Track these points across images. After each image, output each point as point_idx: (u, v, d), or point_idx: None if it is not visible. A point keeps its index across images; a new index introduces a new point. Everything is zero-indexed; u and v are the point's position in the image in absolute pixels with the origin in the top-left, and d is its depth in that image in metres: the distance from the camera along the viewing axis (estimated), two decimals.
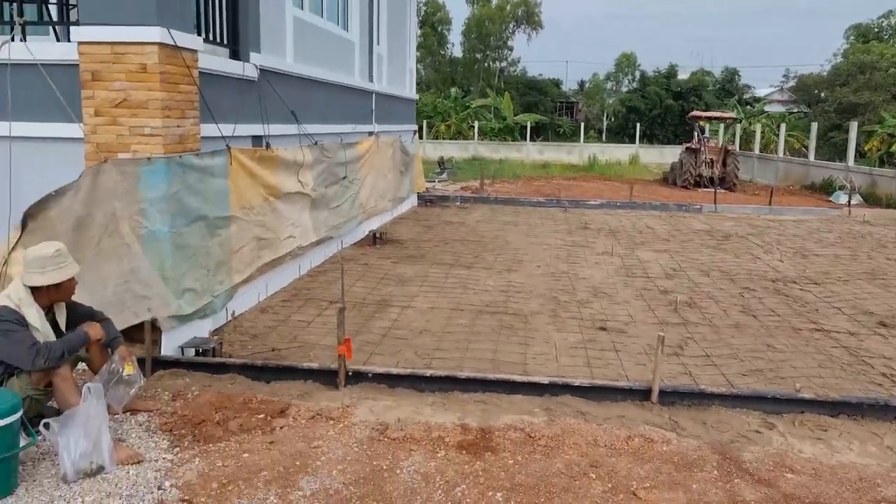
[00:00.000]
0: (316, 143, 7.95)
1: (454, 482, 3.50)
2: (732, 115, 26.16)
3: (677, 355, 5.59)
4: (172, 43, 4.87)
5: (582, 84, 50.56)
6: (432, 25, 51.76)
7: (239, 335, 5.79)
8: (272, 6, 7.01)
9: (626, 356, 5.55)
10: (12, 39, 4.97)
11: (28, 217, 4.98)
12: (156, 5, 4.74)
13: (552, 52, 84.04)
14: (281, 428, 4.02)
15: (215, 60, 5.75)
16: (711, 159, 19.80)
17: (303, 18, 8.04)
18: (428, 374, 4.71)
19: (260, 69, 6.56)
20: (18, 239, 5.02)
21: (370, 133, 10.74)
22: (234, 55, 6.33)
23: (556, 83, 49.67)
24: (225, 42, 6.17)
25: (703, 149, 19.93)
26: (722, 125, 27.96)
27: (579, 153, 30.90)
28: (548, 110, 43.59)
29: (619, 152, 31.00)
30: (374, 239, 9.96)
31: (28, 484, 3.34)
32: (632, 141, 34.43)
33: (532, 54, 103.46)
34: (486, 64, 51.98)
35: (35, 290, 3.75)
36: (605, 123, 43.50)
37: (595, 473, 3.63)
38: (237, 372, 4.83)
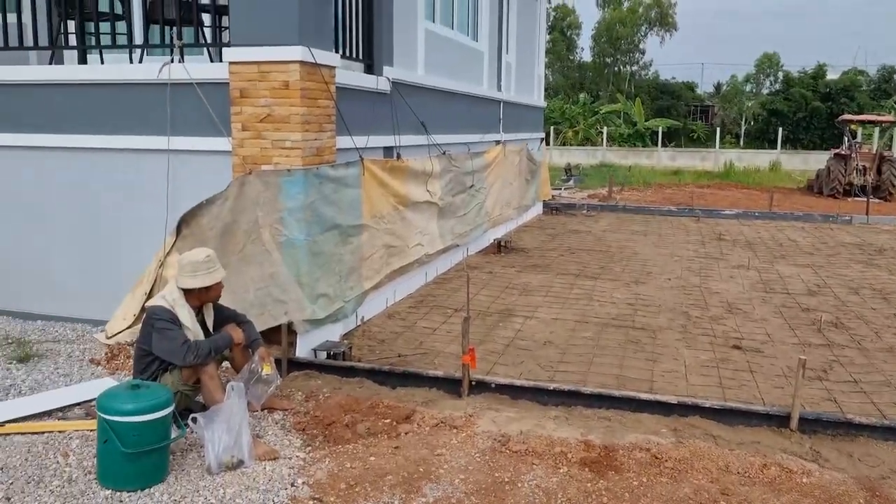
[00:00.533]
0: (444, 153, 8.11)
1: (576, 500, 3.45)
2: (890, 118, 24.11)
3: (820, 380, 5.22)
4: (312, 61, 5.13)
5: (718, 87, 48.36)
6: (561, 31, 51.29)
7: (367, 340, 5.99)
8: (405, 21, 7.23)
9: (763, 378, 5.25)
10: (172, 61, 5.41)
11: (182, 223, 5.42)
12: (297, 26, 5.02)
13: (687, 54, 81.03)
14: (406, 433, 4.12)
15: (351, 75, 6.00)
16: (864, 166, 18.34)
17: (434, 31, 8.23)
18: (551, 388, 4.67)
19: (392, 82, 6.77)
20: (173, 244, 5.47)
21: (497, 142, 10.80)
22: (369, 69, 6.58)
23: (691, 86, 47.76)
24: (360, 57, 6.42)
25: (853, 155, 18.50)
26: (877, 129, 25.82)
27: (714, 159, 29.55)
28: (681, 115, 41.98)
29: (758, 158, 29.36)
30: (499, 247, 10.01)
31: (177, 473, 3.62)
32: (773, 146, 32.46)
33: (665, 57, 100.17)
34: (616, 68, 50.86)
35: (187, 292, 4.07)
36: (743, 128, 41.33)
37: (726, 502, 3.46)
38: (365, 376, 5.01)
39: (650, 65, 52.47)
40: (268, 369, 4.22)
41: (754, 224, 13.46)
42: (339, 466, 3.72)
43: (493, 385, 4.76)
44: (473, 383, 4.76)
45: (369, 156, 6.29)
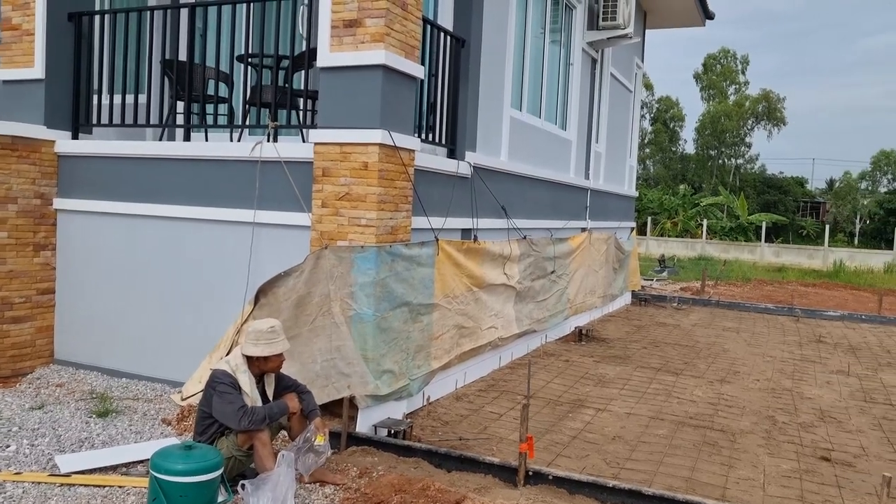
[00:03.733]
0: (525, 238, 8.13)
1: None
2: None
3: None
4: (391, 143, 5.35)
5: (831, 183, 46.56)
6: (664, 122, 51.27)
7: (431, 420, 5.93)
8: (491, 108, 7.45)
9: (851, 495, 4.80)
10: (268, 139, 5.79)
11: (260, 293, 5.64)
12: (379, 111, 5.28)
13: (796, 149, 78.69)
14: None
15: (431, 159, 6.20)
16: None
17: (520, 119, 8.42)
18: (610, 485, 4.44)
19: (473, 167, 6.94)
20: (251, 312, 5.68)
21: (583, 229, 10.75)
22: (451, 154, 6.78)
23: (800, 181, 46.22)
24: (443, 142, 6.64)
25: None
26: None
27: (823, 258, 28.12)
28: (789, 210, 40.54)
29: (872, 259, 27.70)
30: (580, 335, 9.80)
31: None
32: (889, 247, 30.63)
33: (772, 151, 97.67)
34: (720, 161, 50.06)
35: (249, 359, 4.20)
36: (857, 226, 39.32)
37: None
38: (421, 457, 4.94)
39: (756, 158, 51.39)
40: (321, 440, 4.24)
41: (860, 327, 12.60)
42: None
43: (550, 477, 4.58)
44: (530, 473, 4.60)
45: (446, 237, 6.40)
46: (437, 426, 5.81)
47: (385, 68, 5.27)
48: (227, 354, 5.62)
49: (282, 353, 4.25)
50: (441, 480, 4.54)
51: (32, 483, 4.16)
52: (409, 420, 5.63)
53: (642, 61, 14.21)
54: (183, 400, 5.80)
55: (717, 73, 50.81)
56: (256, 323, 4.28)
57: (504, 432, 5.75)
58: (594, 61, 10.99)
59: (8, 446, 4.68)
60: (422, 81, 6.11)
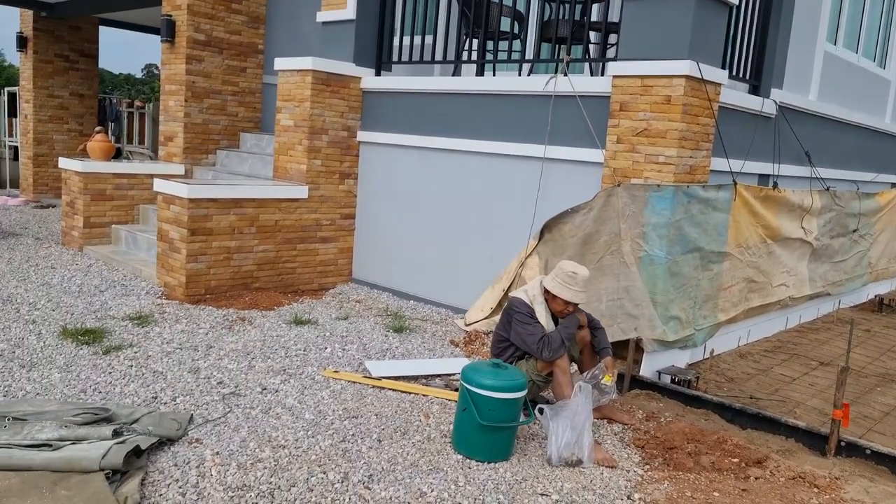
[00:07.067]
0: (828, 189, 7.26)
1: None
2: None
3: None
4: (699, 76, 4.98)
5: None
6: None
7: (714, 374, 5.60)
8: (802, 41, 6.64)
9: None
10: (558, 74, 5.71)
11: (545, 229, 5.67)
12: (689, 41, 4.92)
13: None
14: (756, 478, 3.74)
15: (735, 95, 5.70)
16: None
17: (834, 54, 7.43)
18: None
19: (778, 105, 6.27)
20: (535, 247, 5.75)
21: (894, 184, 9.35)
22: (754, 90, 6.18)
23: None
24: (746, 77, 6.07)
25: None
26: None
27: None
28: None
29: None
30: (881, 305, 8.63)
31: (519, 456, 3.77)
32: None
33: None
34: None
35: (546, 293, 4.21)
36: None
37: None
38: (711, 409, 4.69)
39: None
40: (608, 379, 4.16)
41: None
42: (678, 493, 3.51)
43: (868, 451, 4.08)
44: (843, 444, 4.14)
45: (743, 181, 5.89)
46: (721, 381, 5.47)
47: None
48: (510, 286, 5.78)
49: (571, 301, 4.15)
50: (737, 436, 4.26)
51: (349, 382, 4.63)
52: (693, 371, 5.36)
53: None
54: (467, 325, 6.08)
55: None
56: (568, 262, 4.17)
57: (799, 397, 5.25)
58: None
59: (325, 348, 5.26)
60: (730, 8, 5.59)
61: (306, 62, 6.88)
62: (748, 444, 4.15)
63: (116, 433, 3.38)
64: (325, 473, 3.35)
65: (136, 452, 3.25)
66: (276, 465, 3.38)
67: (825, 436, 4.18)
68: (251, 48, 9.13)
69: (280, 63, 7.17)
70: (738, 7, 5.77)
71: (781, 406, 5.00)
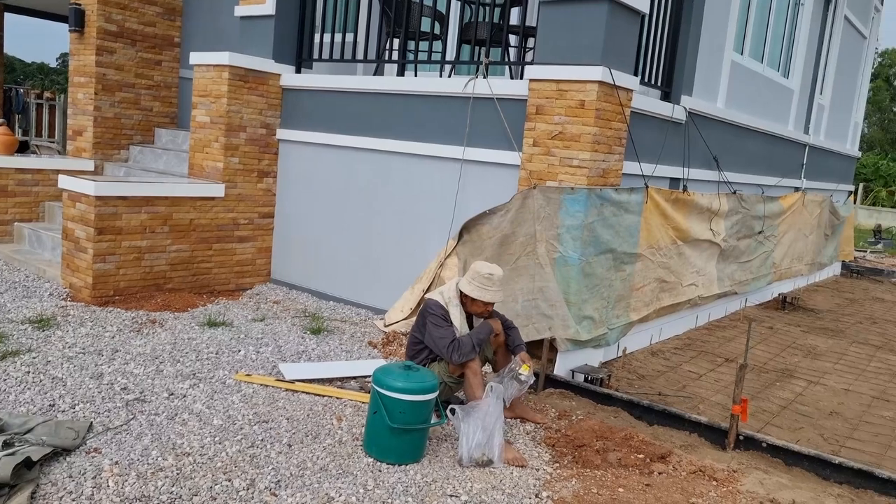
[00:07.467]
0: (735, 192, 7.57)
1: None
2: None
3: None
4: (611, 82, 5.11)
5: None
6: (886, 79, 45.58)
7: (626, 372, 5.77)
8: (711, 50, 6.91)
9: None
10: (476, 76, 5.75)
11: (464, 229, 5.70)
12: (602, 47, 5.04)
13: None
14: (659, 473, 3.86)
15: (647, 101, 5.87)
16: None
17: (741, 63, 7.76)
18: (836, 462, 4.06)
19: (688, 112, 6.50)
20: (454, 248, 5.78)
21: (796, 188, 9.84)
22: (666, 97, 6.39)
23: None
24: (658, 83, 6.26)
25: None
26: None
27: None
28: None
29: None
30: (784, 303, 9.07)
31: (431, 457, 3.78)
32: None
33: None
34: None
35: (463, 295, 4.24)
36: None
37: None
38: (621, 407, 4.82)
39: None
40: (526, 369, 4.22)
41: None
42: (585, 490, 3.59)
43: (764, 444, 4.28)
44: (741, 437, 4.33)
45: (655, 184, 6.09)
46: (632, 378, 5.64)
47: (611, 1, 5.00)
48: (430, 287, 5.79)
49: (490, 302, 4.20)
50: (643, 432, 4.40)
51: (261, 385, 4.54)
52: (606, 369, 5.50)
53: (882, 2, 12.55)
54: (386, 326, 6.06)
55: None
56: (480, 263, 4.24)
57: (705, 393, 5.47)
58: (827, 1, 9.84)
59: (238, 351, 5.15)
60: (642, 17, 5.75)
61: (223, 57, 6.71)
62: (654, 439, 4.28)
63: (6, 444, 3.21)
64: (230, 481, 3.27)
65: (28, 464, 3.10)
66: (178, 474, 3.28)
67: (725, 430, 4.36)
68: (167, 41, 8.85)
69: (195, 57, 6.97)
70: (650, 16, 5.96)
71: (687, 402, 5.19)
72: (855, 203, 27.70)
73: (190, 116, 7.14)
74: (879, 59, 45.39)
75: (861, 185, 30.32)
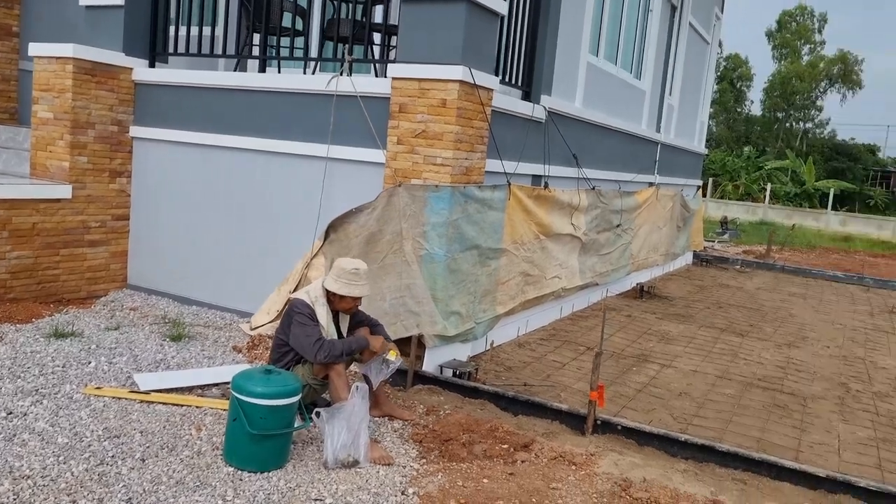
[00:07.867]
0: (593, 188, 7.94)
1: None
2: None
3: None
4: (471, 81, 5.21)
5: None
6: (731, 81, 49.38)
7: (494, 365, 5.92)
8: (568, 52, 7.20)
9: None
10: (341, 74, 5.70)
11: (330, 229, 5.63)
12: (462, 47, 5.13)
13: (870, 116, 74.90)
14: (522, 462, 3.99)
15: (507, 100, 6.03)
16: None
17: (596, 65, 8.14)
18: (682, 439, 4.36)
19: (548, 111, 6.75)
20: (321, 247, 5.69)
21: (650, 184, 10.46)
22: (526, 96, 6.60)
23: (872, 149, 44.25)
24: (519, 84, 6.46)
25: None
26: None
27: (894, 229, 26.99)
28: (857, 178, 38.94)
29: None
30: (641, 292, 9.63)
31: (296, 462, 3.71)
32: None
33: (844, 116, 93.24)
34: (787, 124, 48.18)
35: (329, 293, 4.19)
36: None
37: None
38: (488, 399, 4.94)
39: (826, 123, 49.30)
40: (394, 355, 4.24)
41: None
42: (451, 483, 3.65)
43: (619, 427, 4.52)
44: (599, 422, 4.55)
45: (517, 181, 6.27)
46: (500, 371, 5.79)
47: (469, 2, 5.10)
48: (296, 288, 5.68)
49: (359, 297, 4.19)
50: (508, 423, 4.52)
51: (113, 398, 4.29)
52: (473, 363, 5.62)
53: (722, 11, 13.57)
54: (252, 330, 5.89)
55: (792, 32, 48.46)
56: (344, 260, 4.21)
57: (567, 381, 5.70)
58: (674, 8, 10.53)
59: (89, 363, 4.83)
60: (501, 19, 5.90)
61: (66, 49, 6.26)
62: (517, 429, 4.42)
63: None
64: (74, 503, 3.06)
65: None
66: (15, 499, 3.04)
67: (584, 416, 4.57)
68: (3, 30, 8.15)
69: (35, 48, 6.46)
70: (510, 17, 6.13)
71: (551, 391, 5.40)
72: (704, 197, 29.84)
73: (31, 112, 6.61)
74: (725, 63, 49.13)
75: (710, 180, 32.71)
